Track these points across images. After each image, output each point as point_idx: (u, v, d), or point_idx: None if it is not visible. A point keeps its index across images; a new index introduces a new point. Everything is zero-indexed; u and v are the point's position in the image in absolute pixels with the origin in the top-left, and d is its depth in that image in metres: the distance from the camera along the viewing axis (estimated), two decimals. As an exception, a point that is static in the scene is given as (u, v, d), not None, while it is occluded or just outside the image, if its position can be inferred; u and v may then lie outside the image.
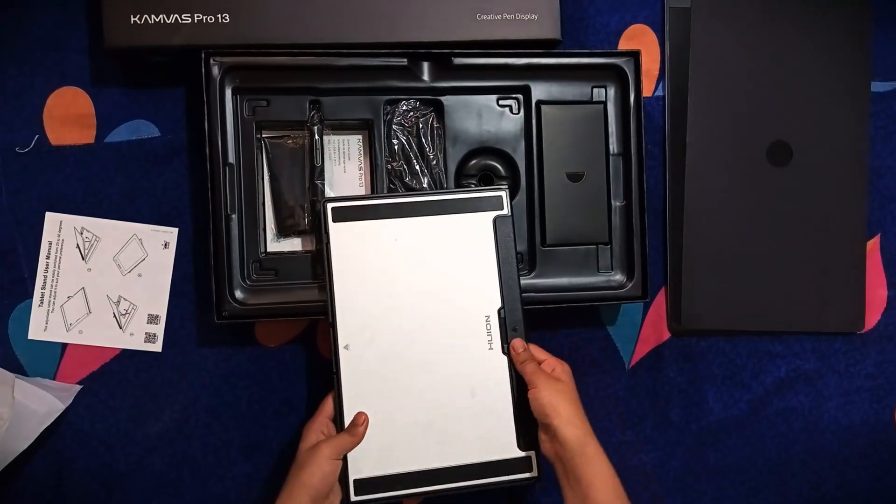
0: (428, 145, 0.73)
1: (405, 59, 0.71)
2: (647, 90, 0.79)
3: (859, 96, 0.80)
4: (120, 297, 0.72)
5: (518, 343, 0.69)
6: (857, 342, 0.81)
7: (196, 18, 0.67)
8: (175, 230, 0.73)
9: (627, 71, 0.73)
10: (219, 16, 0.67)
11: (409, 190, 0.72)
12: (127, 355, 0.72)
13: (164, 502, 0.72)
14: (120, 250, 0.72)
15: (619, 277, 0.74)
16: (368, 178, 0.73)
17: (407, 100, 0.72)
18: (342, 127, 0.73)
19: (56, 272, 0.72)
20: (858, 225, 0.80)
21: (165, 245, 0.73)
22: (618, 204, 0.75)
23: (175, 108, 0.73)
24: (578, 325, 0.78)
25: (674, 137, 0.78)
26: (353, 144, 0.74)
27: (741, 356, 0.79)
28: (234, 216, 0.69)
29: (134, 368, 0.72)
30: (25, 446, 0.65)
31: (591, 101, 0.74)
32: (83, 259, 0.72)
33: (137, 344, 0.72)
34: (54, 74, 0.72)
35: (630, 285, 0.74)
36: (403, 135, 0.73)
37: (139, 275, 0.72)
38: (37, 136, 0.72)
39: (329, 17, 0.68)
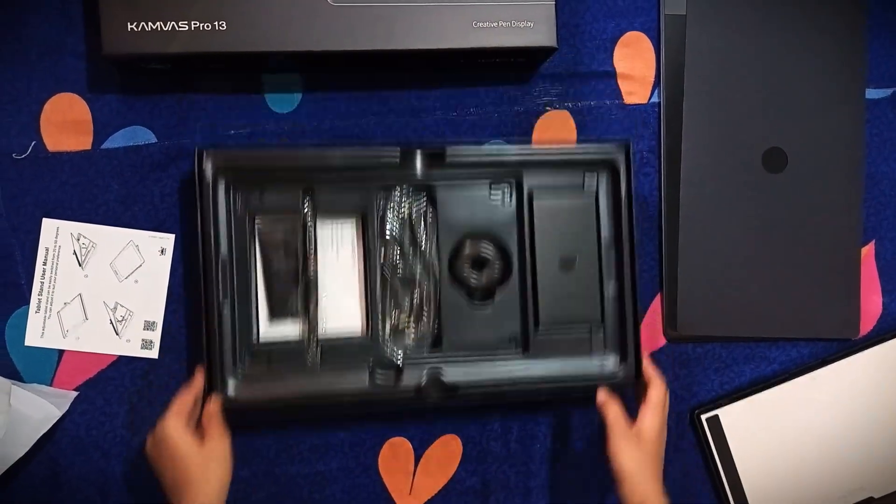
0: (420, 233, 0.73)
1: (398, 155, 0.71)
2: (643, 97, 0.79)
3: (854, 103, 0.81)
4: (116, 303, 0.72)
5: (601, 392, 0.71)
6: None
7: (193, 26, 0.67)
8: (172, 236, 0.73)
9: (618, 161, 0.74)
10: (216, 23, 0.68)
11: (402, 281, 0.73)
12: (123, 362, 0.72)
13: (160, 509, 0.72)
14: (116, 256, 0.72)
15: (612, 360, 0.75)
16: (362, 264, 0.73)
17: (400, 188, 0.73)
18: (335, 213, 0.73)
19: (53, 278, 0.72)
20: (853, 231, 0.80)
21: (162, 251, 0.73)
22: (610, 288, 0.75)
23: (171, 115, 0.73)
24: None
25: (669, 144, 0.79)
26: (346, 230, 0.74)
27: (737, 362, 0.80)
28: (226, 309, 0.69)
29: (130, 375, 0.72)
30: (22, 453, 0.65)
31: (582, 189, 0.75)
32: (80, 265, 0.72)
33: (134, 350, 0.72)
34: (51, 81, 0.72)
35: (623, 368, 0.74)
36: (396, 223, 0.73)
37: (136, 281, 0.72)
38: (34, 143, 0.72)
39: (325, 24, 0.69)
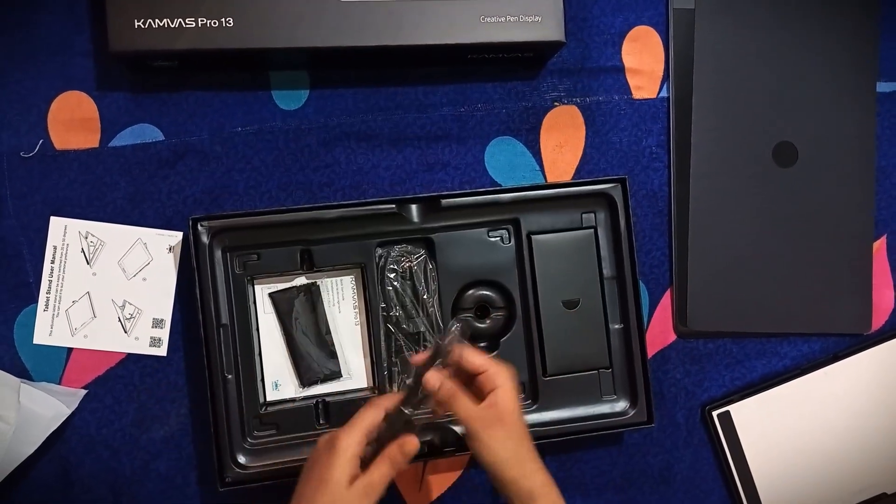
0: (421, 287, 0.73)
1: (394, 206, 0.71)
2: (652, 91, 0.78)
3: (865, 96, 0.80)
4: (125, 301, 0.72)
5: (433, 377, 0.59)
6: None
7: (200, 22, 0.67)
8: (180, 234, 0.73)
9: (615, 197, 0.74)
10: (223, 20, 0.67)
11: (407, 336, 0.73)
12: (132, 360, 0.72)
13: (170, 507, 0.72)
14: (125, 254, 0.72)
15: (622, 403, 0.74)
16: (364, 317, 0.73)
17: (398, 243, 0.73)
18: (334, 268, 0.73)
19: (61, 277, 0.71)
20: (865, 225, 0.80)
21: (170, 249, 0.73)
22: (616, 327, 0.75)
23: (179, 113, 0.73)
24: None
25: (678, 139, 0.78)
26: (346, 284, 0.74)
27: (748, 357, 0.79)
28: (230, 376, 0.69)
29: (139, 373, 0.72)
30: (32, 451, 0.64)
31: (581, 227, 0.74)
32: (88, 263, 0.72)
33: (143, 348, 0.72)
34: (58, 79, 0.72)
35: (634, 411, 0.74)
36: (397, 280, 0.73)
37: (144, 279, 0.72)
38: (41, 141, 0.72)
39: (333, 20, 0.68)
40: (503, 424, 0.59)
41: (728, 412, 0.77)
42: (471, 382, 0.62)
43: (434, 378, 0.59)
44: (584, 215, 0.75)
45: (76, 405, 0.69)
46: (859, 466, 0.78)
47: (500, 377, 0.61)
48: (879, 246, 0.81)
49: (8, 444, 0.62)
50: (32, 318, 0.71)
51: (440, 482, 0.76)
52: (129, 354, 0.72)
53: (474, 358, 0.61)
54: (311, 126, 0.75)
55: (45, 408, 0.66)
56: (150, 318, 0.72)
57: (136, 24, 0.67)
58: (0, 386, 0.64)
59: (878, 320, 0.81)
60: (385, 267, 0.73)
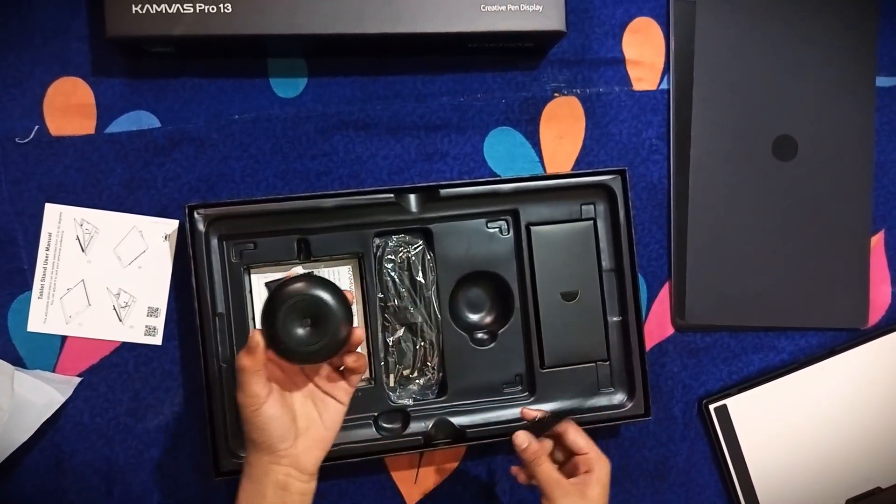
0: (419, 278, 0.72)
1: (392, 195, 0.71)
2: (652, 83, 0.78)
3: (864, 91, 0.80)
4: (120, 289, 0.71)
5: (522, 436, 0.63)
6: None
7: (198, 8, 0.67)
8: (175, 222, 0.72)
9: (615, 189, 0.73)
10: (220, 5, 0.67)
11: (405, 325, 0.72)
12: (127, 348, 0.72)
13: (165, 496, 0.72)
14: (120, 242, 0.72)
15: (620, 395, 0.74)
16: (361, 307, 0.73)
17: (396, 233, 0.72)
18: (331, 258, 0.72)
19: (56, 264, 0.71)
20: (863, 220, 0.80)
21: (165, 237, 0.72)
22: (614, 319, 0.74)
23: (176, 99, 0.72)
24: (582, 320, 0.77)
25: (678, 131, 0.78)
26: (343, 274, 0.73)
27: (746, 351, 0.79)
28: (226, 366, 0.69)
29: (134, 361, 0.72)
30: (25, 438, 0.64)
31: (580, 219, 0.74)
32: (83, 251, 0.71)
33: (137, 337, 0.72)
34: (55, 64, 0.71)
35: (631, 404, 0.74)
36: (395, 270, 0.72)
37: (139, 267, 0.72)
38: (37, 127, 0.71)
39: (332, 7, 0.68)
40: (584, 501, 0.61)
41: (725, 406, 0.77)
42: (565, 461, 0.65)
43: (524, 436, 0.62)
44: (583, 207, 0.74)
45: (70, 393, 0.69)
46: (854, 460, 0.79)
47: (600, 464, 0.63)
48: (877, 241, 0.81)
49: (1, 432, 0.61)
50: (27, 305, 0.70)
51: (436, 475, 0.76)
52: (124, 343, 0.72)
53: (578, 438, 0.63)
54: (309, 114, 0.74)
55: (39, 395, 0.65)
56: (145, 307, 0.72)
57: (134, 9, 0.66)
58: (-7, 373, 0.64)
59: (875, 315, 0.81)
60: (383, 257, 0.72)
